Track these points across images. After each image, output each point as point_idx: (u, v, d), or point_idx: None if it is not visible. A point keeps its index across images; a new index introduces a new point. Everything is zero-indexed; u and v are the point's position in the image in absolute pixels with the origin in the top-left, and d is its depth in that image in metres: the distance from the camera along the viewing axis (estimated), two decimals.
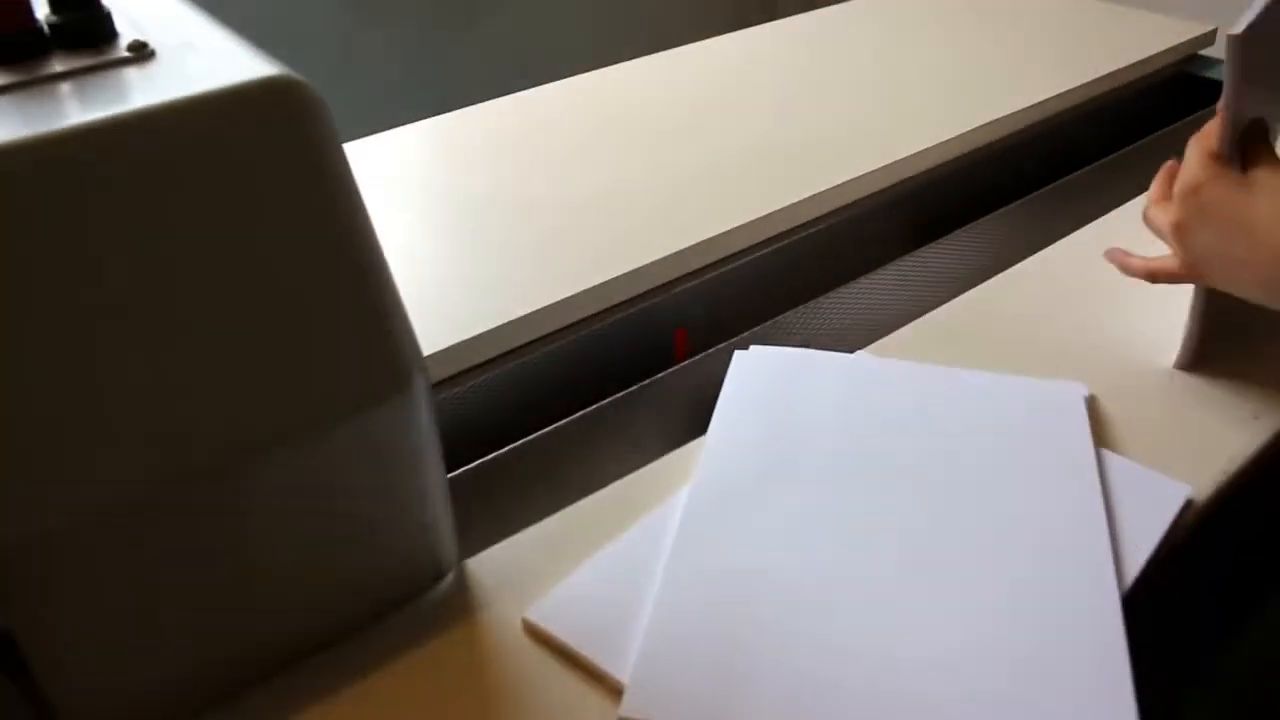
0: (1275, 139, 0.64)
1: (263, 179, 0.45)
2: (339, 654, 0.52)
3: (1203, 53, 1.28)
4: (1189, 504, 0.58)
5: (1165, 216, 0.64)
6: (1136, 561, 0.54)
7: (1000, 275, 0.81)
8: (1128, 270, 0.70)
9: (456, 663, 0.51)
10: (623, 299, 0.78)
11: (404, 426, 0.50)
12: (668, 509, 0.58)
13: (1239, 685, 1.15)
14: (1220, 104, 0.62)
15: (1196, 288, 0.68)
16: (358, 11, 2.06)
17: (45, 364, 0.41)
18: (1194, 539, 0.61)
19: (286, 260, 0.46)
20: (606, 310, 0.77)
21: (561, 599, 0.53)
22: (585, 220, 0.85)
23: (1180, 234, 0.63)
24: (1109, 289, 0.77)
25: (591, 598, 0.53)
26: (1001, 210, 0.94)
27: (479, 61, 2.25)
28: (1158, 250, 0.67)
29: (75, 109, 0.44)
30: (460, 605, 0.54)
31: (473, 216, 0.85)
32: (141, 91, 0.45)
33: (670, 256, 0.80)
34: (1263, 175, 0.59)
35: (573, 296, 0.74)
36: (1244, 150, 0.61)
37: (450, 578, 0.55)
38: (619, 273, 0.77)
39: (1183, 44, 1.25)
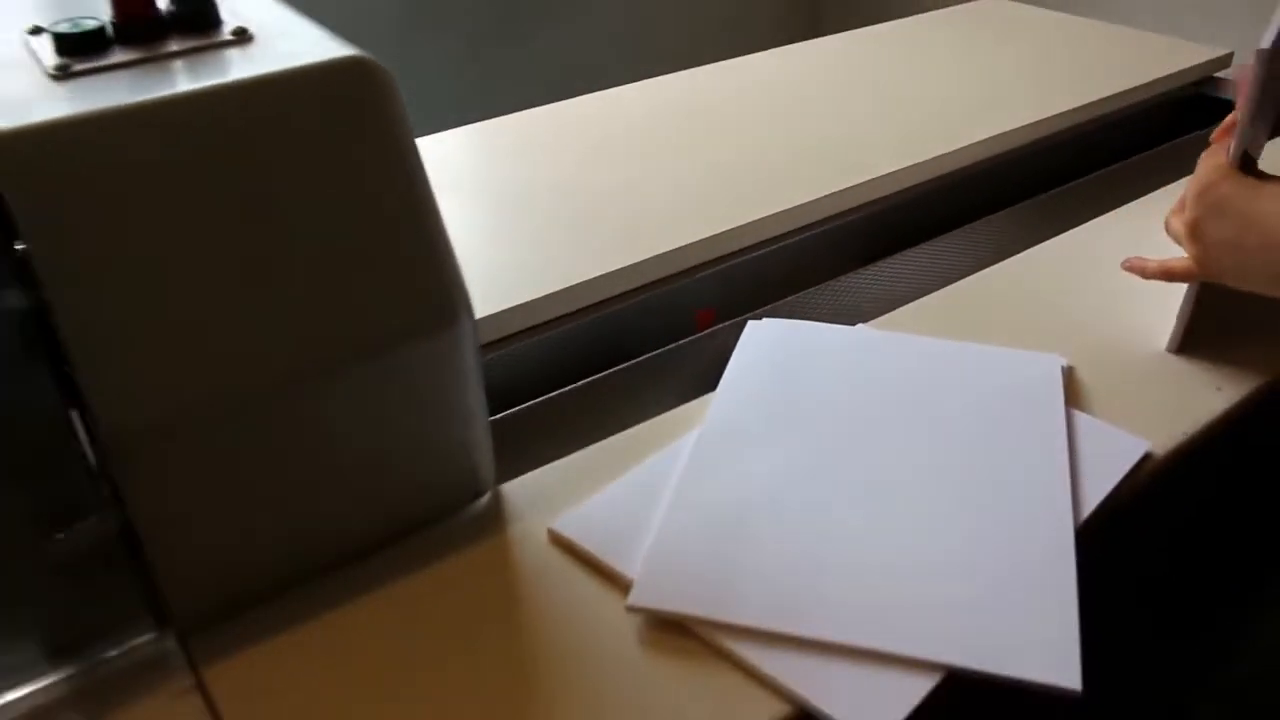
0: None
1: (341, 139, 0.54)
2: (392, 554, 0.60)
3: (1218, 75, 1.34)
4: (1148, 456, 0.65)
5: (1181, 218, 0.69)
6: (1094, 498, 0.61)
7: (999, 264, 0.88)
8: (1145, 273, 0.75)
9: (491, 565, 0.59)
10: (654, 279, 0.86)
11: (452, 357, 0.58)
12: (680, 445, 0.66)
13: (1242, 693, 1.19)
14: (1234, 116, 0.68)
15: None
16: (416, 25, 2.18)
17: (166, 282, 0.50)
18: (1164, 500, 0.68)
19: (360, 210, 0.55)
20: (640, 288, 0.85)
21: (583, 514, 0.61)
22: (623, 211, 0.93)
23: (1196, 230, 0.68)
24: (1104, 279, 0.84)
25: (609, 514, 0.61)
26: (1010, 209, 1.01)
27: (530, 72, 2.35)
28: (1163, 252, 0.74)
29: (187, 80, 0.54)
30: (496, 518, 0.62)
31: (522, 206, 0.94)
32: (243, 67, 0.55)
33: (698, 243, 0.88)
34: (1270, 182, 0.65)
35: (606, 274, 0.83)
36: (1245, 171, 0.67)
37: (488, 496, 0.64)
38: (651, 255, 0.85)
39: (1199, 65, 1.31)
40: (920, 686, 0.51)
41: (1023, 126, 1.11)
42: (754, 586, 0.55)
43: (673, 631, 0.54)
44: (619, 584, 0.57)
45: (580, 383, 0.75)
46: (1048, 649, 0.52)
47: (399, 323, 0.56)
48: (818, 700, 0.50)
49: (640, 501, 0.61)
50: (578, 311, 0.82)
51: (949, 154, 1.05)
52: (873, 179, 0.99)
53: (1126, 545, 0.74)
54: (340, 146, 0.55)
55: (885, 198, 1.01)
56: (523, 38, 2.34)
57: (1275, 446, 0.85)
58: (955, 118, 1.13)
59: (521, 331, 0.79)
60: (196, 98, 0.51)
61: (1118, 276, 0.79)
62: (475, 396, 0.61)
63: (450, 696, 0.52)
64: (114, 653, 0.55)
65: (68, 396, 0.49)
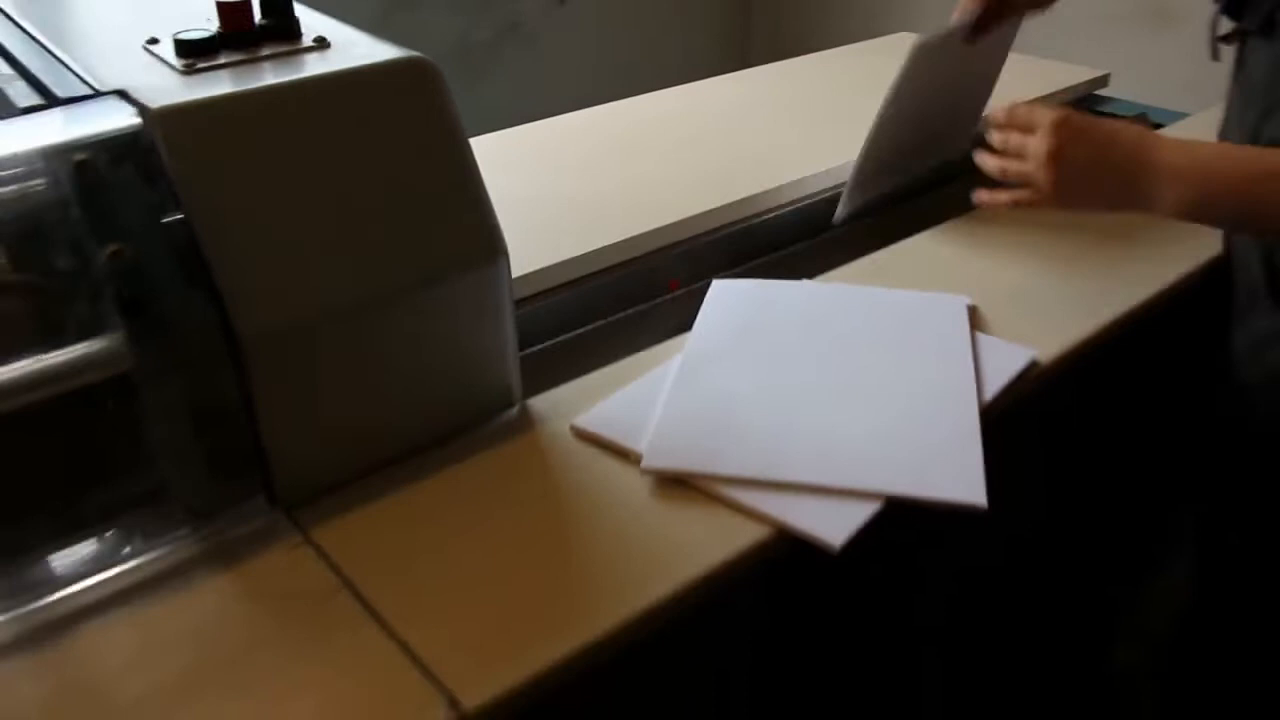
0: None
1: (407, 116, 0.71)
2: (444, 450, 0.75)
3: (1098, 92, 1.56)
4: (1035, 362, 0.83)
5: (1038, 149, 0.82)
6: (994, 386, 0.79)
7: (913, 237, 1.06)
8: (996, 205, 0.91)
9: (523, 456, 0.75)
10: (635, 255, 1.03)
11: (493, 288, 0.74)
12: (669, 364, 0.82)
13: (1156, 636, 1.35)
14: None
15: None
16: None
17: (283, 224, 0.66)
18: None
19: (422, 170, 0.71)
20: (623, 263, 1.02)
21: (597, 413, 0.77)
22: (600, 206, 1.10)
23: (1058, 156, 0.81)
24: (998, 245, 1.02)
25: (618, 411, 0.77)
26: (916, 199, 1.20)
27: (488, 105, 2.53)
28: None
29: (291, 73, 0.69)
30: (525, 422, 0.78)
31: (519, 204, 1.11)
32: (324, 65, 0.71)
33: (665, 227, 1.05)
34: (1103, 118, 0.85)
35: (597, 250, 1.00)
36: None
37: (517, 407, 0.79)
38: (630, 236, 1.02)
39: (1081, 84, 1.52)
40: (866, 509, 0.67)
41: None
42: (737, 448, 0.72)
43: (676, 486, 0.70)
44: (631, 459, 0.73)
45: (585, 328, 0.92)
46: (960, 479, 0.69)
47: (455, 257, 0.72)
48: (791, 520, 0.66)
49: (642, 401, 0.78)
50: (578, 279, 0.99)
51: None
52: (800, 178, 1.18)
53: (1028, 448, 0.91)
54: (406, 122, 0.71)
55: (814, 194, 1.19)
56: (479, 75, 2.51)
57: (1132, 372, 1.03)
58: (865, 130, 1.31)
59: (537, 294, 0.95)
60: (306, 83, 0.68)
61: (1009, 243, 0.97)
62: (508, 324, 0.77)
63: (503, 541, 0.67)
64: (232, 523, 0.69)
65: (215, 311, 0.64)
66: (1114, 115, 1.48)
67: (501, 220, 0.75)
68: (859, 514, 0.67)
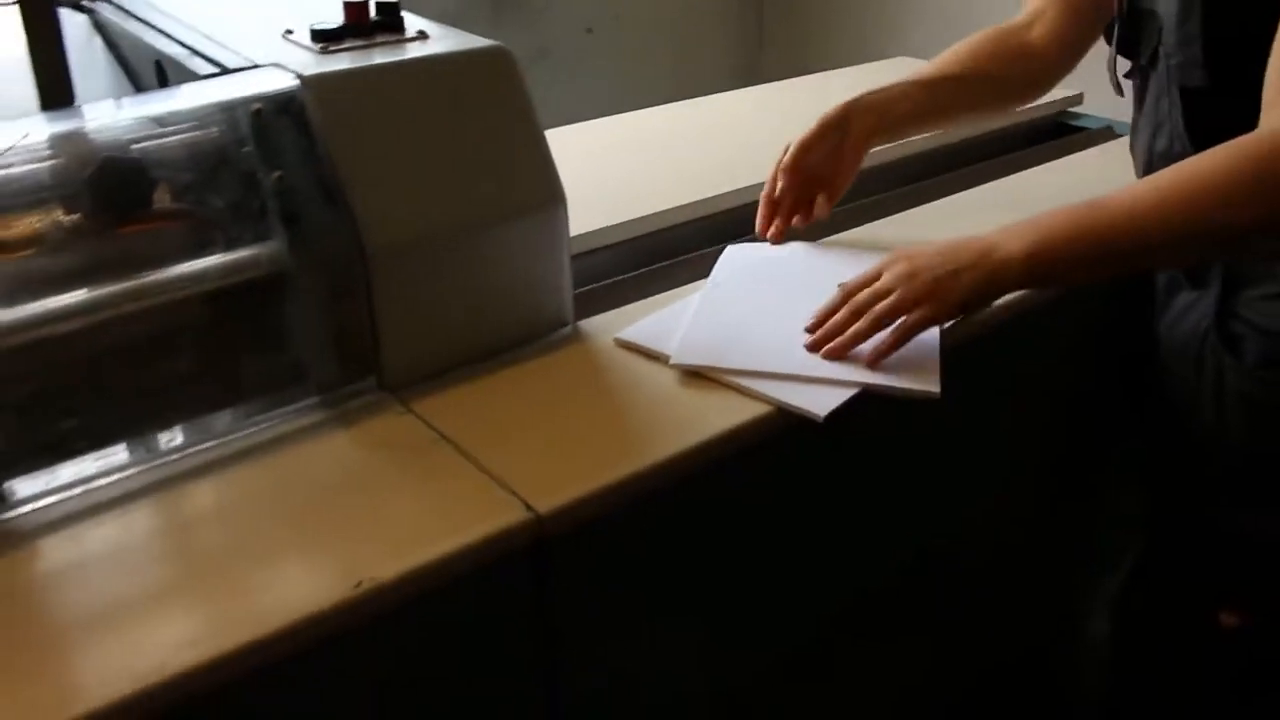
0: None
1: (491, 89, 0.91)
2: (509, 355, 0.94)
3: (1071, 109, 1.75)
4: None
5: (894, 275, 0.91)
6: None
7: (889, 217, 1.26)
8: (885, 351, 0.90)
9: (578, 358, 0.94)
10: (661, 228, 1.23)
11: (555, 227, 0.94)
12: (693, 296, 1.02)
13: (1125, 604, 1.48)
14: None
15: None
16: None
17: (399, 164, 0.85)
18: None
19: (501, 133, 0.91)
20: (653, 232, 1.23)
21: (635, 328, 0.96)
22: (633, 189, 1.30)
23: (913, 265, 0.90)
24: (960, 223, 1.22)
25: (653, 328, 0.96)
26: (902, 189, 1.40)
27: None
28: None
29: (382, 56, 0.90)
30: (576, 337, 0.97)
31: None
32: (425, 50, 0.91)
33: (685, 205, 1.26)
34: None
35: (631, 220, 1.20)
36: None
37: (570, 326, 0.99)
38: (657, 210, 1.23)
39: (1057, 101, 1.72)
40: (845, 393, 0.86)
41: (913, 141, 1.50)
42: (745, 350, 0.91)
43: (698, 378, 0.90)
44: (662, 361, 0.92)
45: (624, 276, 1.12)
46: (921, 375, 0.88)
47: (526, 199, 0.92)
48: (786, 398, 0.86)
49: (670, 321, 0.97)
50: (617, 243, 1.19)
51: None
52: None
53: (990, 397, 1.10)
54: (489, 94, 0.91)
55: None
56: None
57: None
58: None
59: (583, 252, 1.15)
60: (415, 62, 0.88)
61: (965, 222, 1.17)
62: (565, 257, 0.96)
63: (564, 411, 0.87)
64: (348, 398, 0.88)
65: (349, 229, 0.84)
66: (1083, 129, 1.69)
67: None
68: (840, 396, 0.86)
